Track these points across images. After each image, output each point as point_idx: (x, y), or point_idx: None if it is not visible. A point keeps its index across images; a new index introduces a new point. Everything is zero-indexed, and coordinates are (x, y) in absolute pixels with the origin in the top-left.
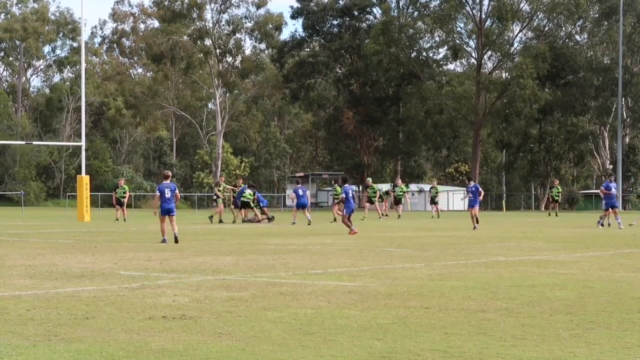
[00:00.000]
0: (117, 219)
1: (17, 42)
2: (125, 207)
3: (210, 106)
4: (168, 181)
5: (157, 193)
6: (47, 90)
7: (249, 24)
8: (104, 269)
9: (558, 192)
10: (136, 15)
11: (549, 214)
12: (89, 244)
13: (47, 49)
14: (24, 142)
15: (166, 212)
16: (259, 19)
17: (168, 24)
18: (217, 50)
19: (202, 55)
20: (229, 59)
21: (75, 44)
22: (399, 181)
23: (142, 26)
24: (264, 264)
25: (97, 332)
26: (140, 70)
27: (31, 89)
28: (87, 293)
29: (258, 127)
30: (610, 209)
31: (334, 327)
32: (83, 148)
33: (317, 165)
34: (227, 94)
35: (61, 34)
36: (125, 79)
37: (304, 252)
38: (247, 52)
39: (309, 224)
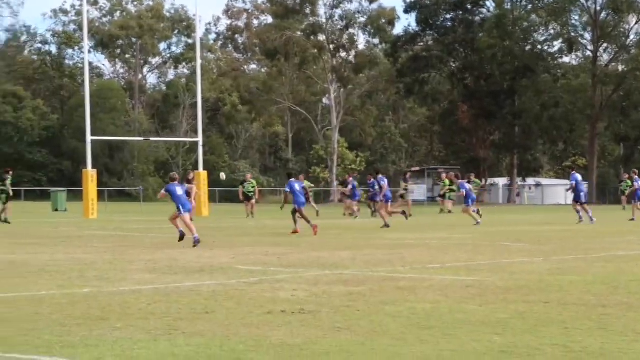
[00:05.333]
0: (247, 215)
1: (134, 40)
2: (254, 202)
3: (325, 101)
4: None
5: (163, 192)
6: (163, 87)
7: (362, 19)
8: (222, 263)
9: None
10: (250, 11)
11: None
12: (207, 239)
13: (162, 45)
14: (141, 139)
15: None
16: (371, 13)
17: (281, 20)
18: (331, 46)
19: (316, 50)
20: (343, 54)
21: (190, 41)
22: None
23: (255, 22)
24: (381, 259)
25: (216, 326)
26: (254, 66)
27: (148, 85)
28: (206, 287)
29: (373, 121)
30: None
31: (452, 321)
32: (200, 144)
33: (433, 160)
34: (342, 89)
35: (176, 30)
36: (240, 75)
37: (421, 247)
38: (361, 47)
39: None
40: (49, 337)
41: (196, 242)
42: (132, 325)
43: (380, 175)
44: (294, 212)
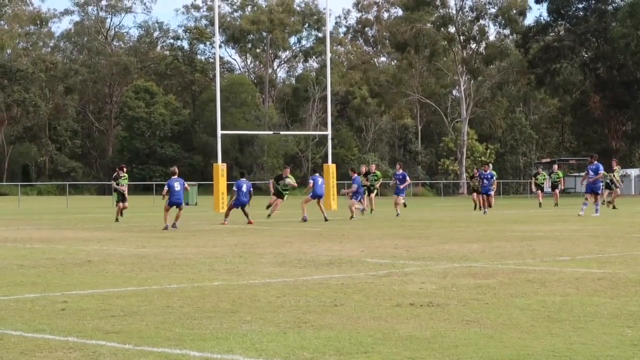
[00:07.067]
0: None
1: (264, 34)
2: (373, 195)
3: (454, 93)
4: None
5: (166, 187)
6: (293, 81)
7: (492, 10)
8: (351, 256)
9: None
10: (380, 4)
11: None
12: (336, 232)
13: (292, 39)
14: (271, 132)
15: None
16: (502, 4)
17: (411, 12)
18: (461, 37)
19: (445, 42)
20: (473, 46)
21: (320, 34)
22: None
23: (385, 15)
24: (510, 251)
25: (345, 319)
26: (384, 58)
27: (278, 79)
28: (335, 280)
29: (503, 113)
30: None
31: (583, 314)
32: (329, 137)
33: (564, 151)
34: (472, 81)
35: (306, 24)
36: (370, 68)
37: (551, 239)
38: (491, 38)
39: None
40: (180, 329)
41: (167, 229)
42: (261, 318)
43: (316, 174)
44: (230, 207)
